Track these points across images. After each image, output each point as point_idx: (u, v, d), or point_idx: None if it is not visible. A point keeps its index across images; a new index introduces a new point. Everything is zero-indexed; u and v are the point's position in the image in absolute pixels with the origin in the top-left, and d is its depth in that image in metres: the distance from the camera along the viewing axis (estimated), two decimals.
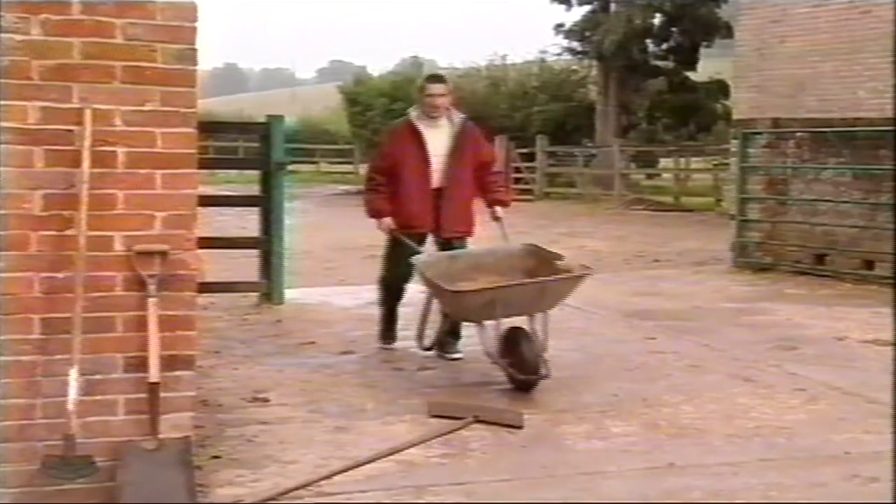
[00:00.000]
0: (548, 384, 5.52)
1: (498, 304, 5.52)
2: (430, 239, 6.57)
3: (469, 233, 6.57)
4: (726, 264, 11.82)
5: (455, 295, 5.68)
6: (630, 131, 30.35)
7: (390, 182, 6.45)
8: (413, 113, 6.53)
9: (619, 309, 8.40)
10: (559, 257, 6.11)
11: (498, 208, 6.64)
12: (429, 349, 6.31)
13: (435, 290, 5.88)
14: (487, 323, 5.63)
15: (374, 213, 6.52)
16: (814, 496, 4.13)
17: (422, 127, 6.43)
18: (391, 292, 6.80)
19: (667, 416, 5.27)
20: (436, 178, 6.41)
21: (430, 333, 6.31)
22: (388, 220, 6.43)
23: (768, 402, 5.56)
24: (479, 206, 6.62)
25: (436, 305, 6.18)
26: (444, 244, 6.48)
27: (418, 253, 6.19)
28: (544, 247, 6.37)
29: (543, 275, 5.86)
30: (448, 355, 6.44)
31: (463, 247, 6.49)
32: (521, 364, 5.57)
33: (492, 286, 5.70)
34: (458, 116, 6.56)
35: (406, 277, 6.59)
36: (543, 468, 4.46)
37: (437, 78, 6.72)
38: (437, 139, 6.42)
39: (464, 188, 6.48)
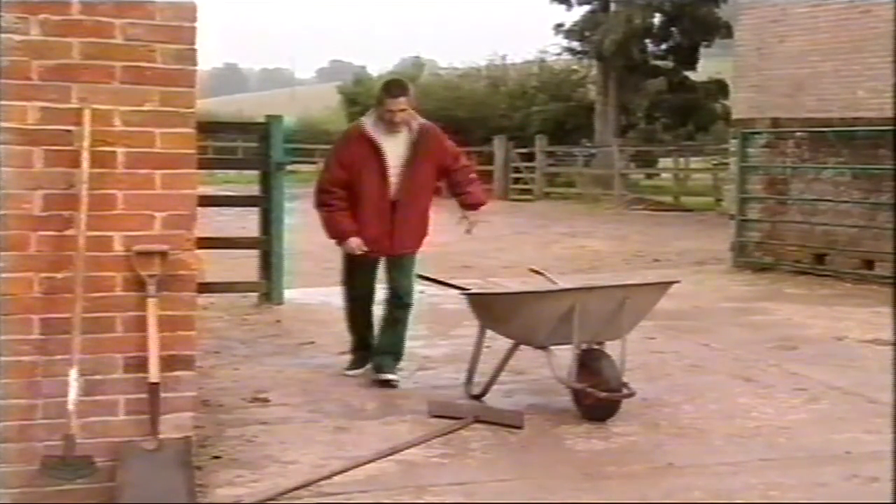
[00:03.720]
0: (547, 384, 5.51)
1: (576, 316, 5.04)
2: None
3: (418, 248, 5.94)
4: (726, 264, 11.82)
5: (531, 300, 5.29)
6: (629, 131, 30.36)
7: (348, 196, 5.76)
8: (367, 120, 5.85)
9: None
10: None
11: (470, 213, 5.95)
12: (478, 397, 5.52)
13: (499, 308, 5.42)
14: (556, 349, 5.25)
15: (338, 234, 5.78)
16: (814, 496, 4.13)
17: (378, 136, 5.74)
18: (359, 305, 6.05)
19: (667, 416, 5.27)
20: (393, 191, 5.77)
21: (479, 380, 5.63)
22: (356, 241, 5.71)
23: (769, 402, 5.56)
24: (449, 207, 6.10)
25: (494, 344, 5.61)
26: (392, 260, 5.90)
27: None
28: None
29: None
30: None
31: (412, 262, 5.94)
32: (602, 383, 5.08)
33: (572, 287, 5.44)
34: (416, 122, 5.84)
35: (373, 285, 6.03)
36: (543, 468, 4.46)
37: (397, 89, 5.79)
38: (394, 148, 5.75)
39: (420, 198, 5.86)
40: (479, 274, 10.66)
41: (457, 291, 5.83)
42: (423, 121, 5.89)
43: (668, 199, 24.18)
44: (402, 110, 5.71)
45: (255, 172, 9.34)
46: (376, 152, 5.73)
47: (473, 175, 6.07)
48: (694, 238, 15.45)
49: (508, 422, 5.03)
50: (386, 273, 5.94)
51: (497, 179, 26.16)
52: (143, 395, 3.83)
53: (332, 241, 5.88)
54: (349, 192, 5.75)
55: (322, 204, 5.81)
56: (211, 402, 5.38)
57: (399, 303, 5.92)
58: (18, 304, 3.73)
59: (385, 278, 5.95)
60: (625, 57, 27.84)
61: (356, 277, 5.99)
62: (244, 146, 26.90)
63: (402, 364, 6.00)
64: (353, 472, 4.32)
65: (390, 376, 5.83)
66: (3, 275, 3.71)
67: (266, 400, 5.53)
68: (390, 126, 5.72)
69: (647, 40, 29.24)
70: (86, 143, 3.73)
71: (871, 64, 10.32)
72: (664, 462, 4.56)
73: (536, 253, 13.19)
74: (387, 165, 5.73)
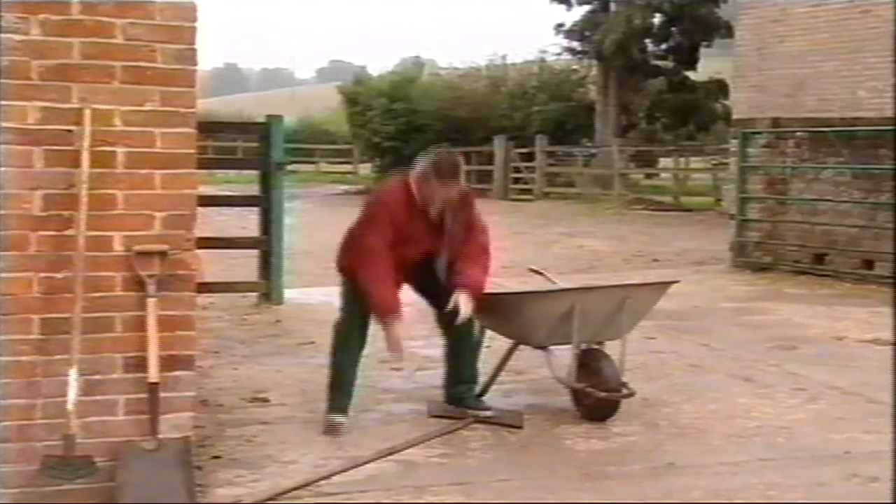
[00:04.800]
0: (547, 384, 5.51)
1: (575, 316, 5.00)
2: None
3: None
4: (726, 264, 11.82)
5: (530, 300, 5.24)
6: (629, 131, 30.34)
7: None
8: (414, 183, 4.96)
9: None
10: None
11: (462, 295, 4.91)
12: (478, 397, 5.31)
13: (500, 308, 5.26)
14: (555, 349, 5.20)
15: (387, 310, 4.83)
16: (814, 496, 4.13)
17: (423, 203, 4.97)
18: (349, 347, 5.09)
19: (667, 416, 5.27)
20: (430, 251, 5.07)
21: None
22: (401, 331, 4.84)
23: (768, 402, 5.56)
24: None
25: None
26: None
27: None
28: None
29: None
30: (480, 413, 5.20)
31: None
32: (602, 383, 5.05)
33: (571, 287, 5.44)
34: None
35: (367, 325, 5.08)
36: (543, 468, 4.46)
37: (455, 174, 4.95)
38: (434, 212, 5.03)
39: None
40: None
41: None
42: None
43: (668, 199, 24.17)
44: (452, 196, 4.95)
45: (255, 172, 9.34)
46: (422, 215, 4.97)
47: (483, 258, 5.08)
48: (694, 238, 15.45)
49: (508, 422, 5.03)
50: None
51: (497, 179, 26.18)
52: (143, 395, 3.83)
53: (374, 315, 4.94)
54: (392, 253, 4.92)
55: (370, 267, 4.86)
56: (210, 402, 5.38)
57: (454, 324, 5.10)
58: (18, 304, 3.73)
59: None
60: (625, 57, 27.82)
61: (362, 308, 5.00)
62: (244, 146, 26.92)
63: (401, 364, 5.93)
64: (353, 472, 4.32)
65: (488, 412, 5.16)
66: (3, 275, 3.71)
67: (266, 400, 5.53)
68: (439, 206, 4.96)
69: (647, 40, 29.22)
70: (86, 143, 3.73)
71: (872, 64, 10.32)
72: (664, 462, 4.56)
73: (536, 253, 13.19)
74: (428, 230, 5.00)
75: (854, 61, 10.56)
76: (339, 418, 4.96)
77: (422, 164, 4.98)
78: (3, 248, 3.71)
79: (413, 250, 4.97)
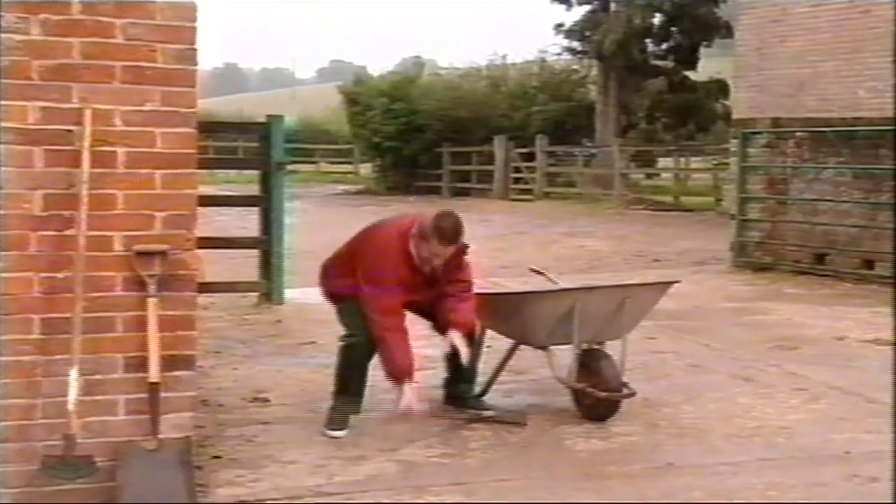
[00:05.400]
0: (547, 384, 5.51)
1: (576, 316, 5.02)
2: None
3: None
4: (726, 264, 11.82)
5: (531, 300, 5.24)
6: (630, 131, 30.32)
7: None
8: (413, 243, 4.92)
9: None
10: None
11: (456, 333, 4.99)
12: (478, 397, 5.40)
13: (501, 307, 5.32)
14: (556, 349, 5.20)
15: (404, 371, 4.86)
16: (814, 496, 4.13)
17: (418, 260, 4.96)
18: (360, 360, 5.07)
19: (667, 416, 5.27)
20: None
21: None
22: (414, 392, 4.85)
23: (768, 402, 5.56)
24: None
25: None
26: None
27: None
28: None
29: None
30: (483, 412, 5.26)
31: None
32: (602, 383, 5.06)
33: (572, 287, 5.44)
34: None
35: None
36: (543, 468, 4.46)
37: (454, 236, 4.93)
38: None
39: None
40: (478, 274, 10.64)
41: None
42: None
43: (669, 198, 24.15)
44: (447, 257, 4.97)
45: (255, 172, 9.34)
46: (417, 272, 4.98)
47: (467, 295, 5.14)
48: (694, 238, 15.45)
49: (511, 419, 5.02)
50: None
51: (497, 179, 26.16)
52: (143, 395, 3.83)
53: (388, 377, 4.93)
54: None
55: (395, 329, 4.87)
56: (211, 402, 5.38)
57: None
58: (18, 304, 3.73)
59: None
60: (625, 57, 27.79)
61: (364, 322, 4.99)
62: (244, 146, 26.93)
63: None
64: (354, 472, 4.32)
65: (490, 412, 5.22)
66: (3, 275, 3.72)
67: (266, 400, 5.54)
68: (429, 265, 4.97)
69: (647, 40, 29.17)
70: (86, 143, 3.73)
71: (872, 64, 10.32)
72: (664, 462, 4.56)
73: (537, 253, 13.19)
74: (425, 281, 5.02)
75: (854, 61, 10.56)
76: (336, 433, 4.91)
77: (422, 223, 4.92)
78: (3, 248, 3.72)
79: (412, 299, 4.99)
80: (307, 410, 5.30)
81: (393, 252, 4.92)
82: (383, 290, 4.89)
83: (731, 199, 12.61)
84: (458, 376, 5.28)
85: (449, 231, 4.90)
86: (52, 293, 3.76)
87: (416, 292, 5.00)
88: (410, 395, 4.81)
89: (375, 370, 5.92)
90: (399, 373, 4.83)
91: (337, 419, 4.98)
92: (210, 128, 11.12)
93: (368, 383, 5.25)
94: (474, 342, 5.31)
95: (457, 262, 5.11)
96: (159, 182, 3.88)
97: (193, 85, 3.92)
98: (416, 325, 6.17)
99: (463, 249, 5.11)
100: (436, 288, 5.06)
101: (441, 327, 5.09)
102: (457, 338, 4.98)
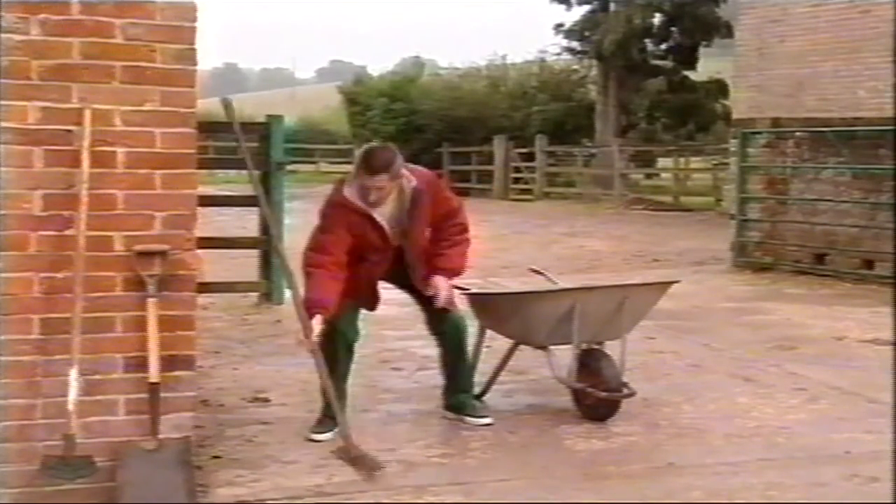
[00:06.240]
0: (547, 384, 5.51)
1: (576, 316, 5.01)
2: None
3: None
4: (726, 264, 11.82)
5: (531, 300, 5.23)
6: (629, 131, 30.33)
7: (345, 263, 4.82)
8: (349, 190, 4.79)
9: None
10: None
11: (438, 278, 4.91)
12: (478, 397, 5.36)
13: (501, 307, 5.32)
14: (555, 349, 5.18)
15: (314, 302, 4.78)
16: (814, 496, 4.13)
17: (365, 206, 4.78)
18: (340, 348, 4.98)
19: (667, 416, 5.27)
20: (393, 244, 4.92)
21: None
22: (317, 328, 4.71)
23: (768, 402, 5.56)
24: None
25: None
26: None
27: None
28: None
29: None
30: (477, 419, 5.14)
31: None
32: (602, 383, 5.05)
33: (572, 287, 5.43)
34: (410, 186, 4.84)
35: (356, 327, 5.07)
36: (543, 468, 4.46)
37: (378, 164, 4.71)
38: (387, 210, 4.85)
39: (421, 243, 4.99)
40: (478, 274, 10.63)
41: (456, 291, 5.83)
42: (414, 183, 4.84)
43: (668, 198, 24.16)
44: (381, 188, 4.73)
45: (256, 172, 9.32)
46: (370, 219, 4.81)
47: (461, 238, 5.05)
48: (694, 238, 15.45)
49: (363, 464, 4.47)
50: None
51: (497, 179, 26.18)
52: (143, 395, 3.83)
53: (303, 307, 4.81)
54: (350, 256, 4.82)
55: (315, 265, 4.79)
56: (211, 402, 5.38)
57: (446, 332, 5.18)
58: (18, 304, 3.73)
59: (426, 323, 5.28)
60: (625, 57, 27.80)
61: (343, 316, 4.92)
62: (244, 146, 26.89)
63: (401, 364, 5.96)
64: (353, 472, 4.32)
65: (486, 420, 5.12)
66: (3, 275, 3.72)
67: (266, 400, 5.54)
68: (374, 204, 4.78)
69: (647, 40, 29.18)
70: (86, 143, 3.73)
71: (872, 64, 10.32)
72: (664, 462, 4.56)
73: (536, 253, 13.19)
74: (384, 231, 4.84)
75: (854, 61, 10.56)
76: (318, 436, 4.82)
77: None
78: (3, 248, 3.72)
79: (378, 257, 4.88)
80: (307, 410, 5.29)
81: (341, 201, 4.81)
82: (324, 233, 4.83)
83: (730, 199, 12.61)
84: (455, 385, 5.25)
85: (371, 157, 4.73)
86: (52, 293, 3.76)
87: (375, 249, 4.83)
88: (312, 328, 4.66)
89: (375, 371, 5.94)
90: (308, 303, 4.73)
91: (324, 421, 4.89)
92: (210, 128, 11.05)
93: (368, 383, 5.26)
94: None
95: (441, 208, 4.94)
96: (159, 182, 3.88)
97: (193, 85, 3.92)
98: (416, 326, 6.20)
99: (434, 183, 4.96)
100: (413, 238, 4.90)
101: (428, 273, 4.92)
102: (441, 282, 4.89)
